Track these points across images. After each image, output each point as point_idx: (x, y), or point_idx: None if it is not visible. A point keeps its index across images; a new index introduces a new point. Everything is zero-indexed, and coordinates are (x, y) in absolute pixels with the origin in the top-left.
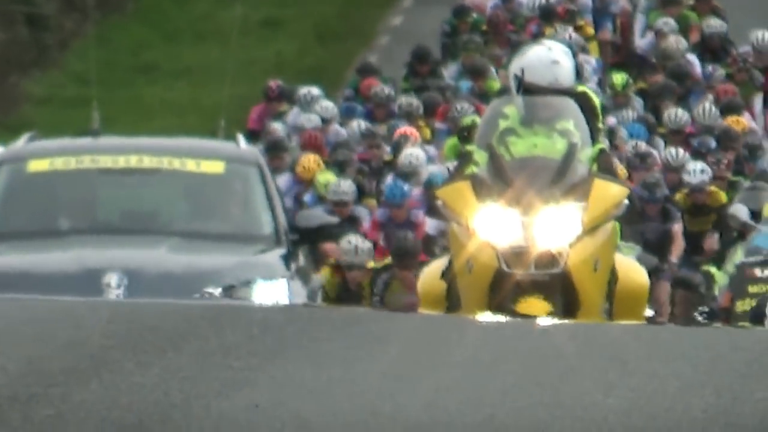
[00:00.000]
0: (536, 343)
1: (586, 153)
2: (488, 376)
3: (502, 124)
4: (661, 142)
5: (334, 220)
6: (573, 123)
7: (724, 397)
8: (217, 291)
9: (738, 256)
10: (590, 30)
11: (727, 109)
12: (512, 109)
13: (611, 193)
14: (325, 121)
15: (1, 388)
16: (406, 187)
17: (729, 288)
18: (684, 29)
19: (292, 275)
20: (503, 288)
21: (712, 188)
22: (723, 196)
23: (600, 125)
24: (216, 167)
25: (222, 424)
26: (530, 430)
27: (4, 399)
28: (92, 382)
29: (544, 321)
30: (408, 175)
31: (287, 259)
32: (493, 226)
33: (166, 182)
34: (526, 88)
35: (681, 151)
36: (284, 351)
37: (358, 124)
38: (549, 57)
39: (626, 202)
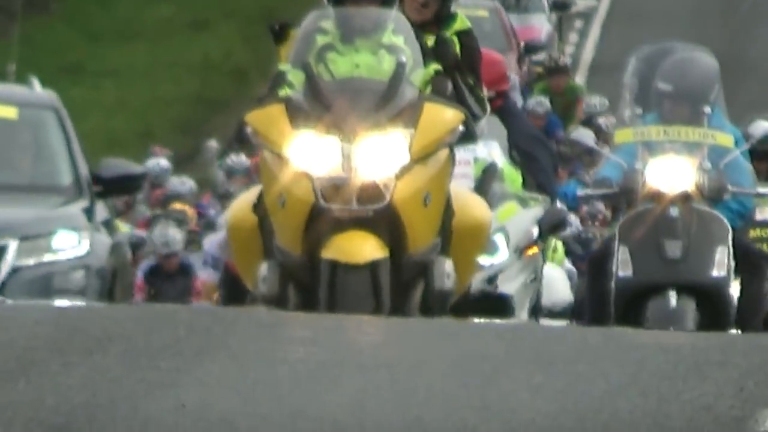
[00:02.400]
0: (463, 345)
1: (417, 74)
2: (414, 377)
3: (320, 40)
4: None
5: (139, 170)
6: (403, 38)
7: (650, 399)
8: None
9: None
10: None
11: None
12: (331, 23)
13: (444, 118)
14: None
15: None
16: None
17: None
18: (568, 104)
19: (96, 227)
20: (322, 224)
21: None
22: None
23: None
24: (9, 112)
25: (148, 425)
26: None
27: None
28: (19, 382)
29: (472, 322)
30: None
31: (90, 211)
32: (311, 156)
33: None
34: None
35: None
36: (210, 352)
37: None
38: None
39: (461, 128)
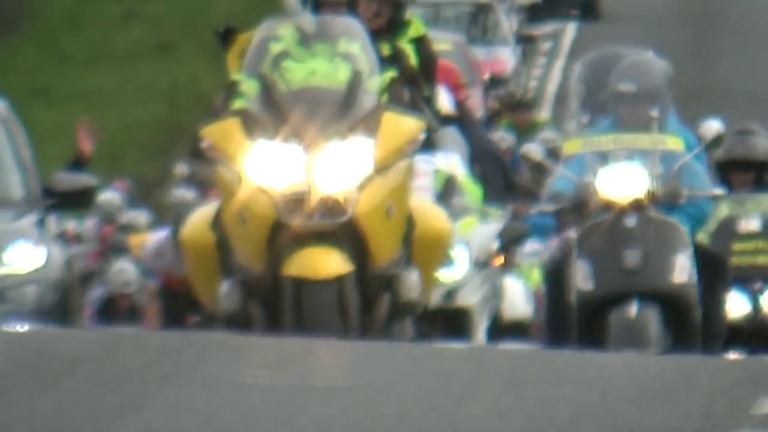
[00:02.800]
0: (430, 368)
1: (373, 81)
2: (383, 400)
3: (275, 47)
4: None
5: (93, 182)
6: (359, 45)
7: (617, 422)
8: None
9: (724, 209)
10: None
11: None
12: (288, 29)
13: (404, 127)
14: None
15: None
16: None
17: None
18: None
19: (51, 241)
20: (282, 240)
21: None
22: None
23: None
24: None
25: None
26: None
27: None
28: None
29: (439, 345)
30: None
31: (43, 223)
32: (269, 167)
33: None
34: (320, 2)
35: None
36: (179, 376)
37: None
38: None
39: (421, 136)
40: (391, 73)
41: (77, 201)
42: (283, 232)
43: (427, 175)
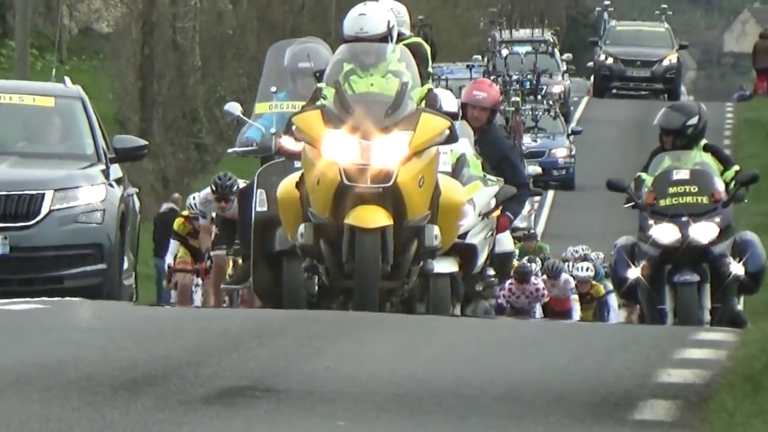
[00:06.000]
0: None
1: (415, 92)
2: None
3: (346, 66)
4: None
5: (143, 142)
6: (405, 65)
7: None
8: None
9: (665, 163)
10: None
11: None
12: (348, 55)
13: (435, 124)
14: None
15: None
16: None
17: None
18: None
19: (110, 183)
20: (345, 197)
21: (594, 282)
22: (601, 289)
23: (430, 70)
24: (48, 102)
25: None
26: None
27: None
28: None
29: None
30: None
31: (105, 171)
32: (338, 148)
33: (7, 114)
34: (344, 39)
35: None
36: (342, 338)
37: None
38: (357, 10)
39: (447, 132)
40: (428, 85)
41: (131, 155)
42: (346, 193)
43: (445, 154)
